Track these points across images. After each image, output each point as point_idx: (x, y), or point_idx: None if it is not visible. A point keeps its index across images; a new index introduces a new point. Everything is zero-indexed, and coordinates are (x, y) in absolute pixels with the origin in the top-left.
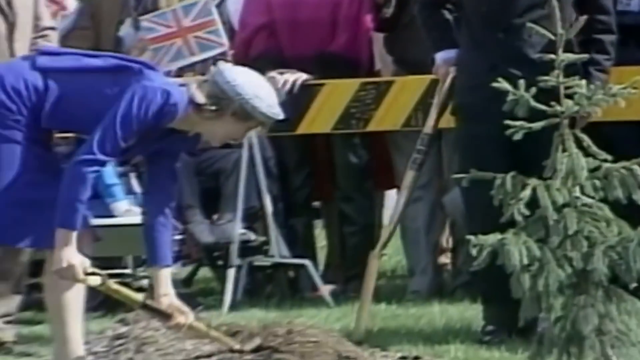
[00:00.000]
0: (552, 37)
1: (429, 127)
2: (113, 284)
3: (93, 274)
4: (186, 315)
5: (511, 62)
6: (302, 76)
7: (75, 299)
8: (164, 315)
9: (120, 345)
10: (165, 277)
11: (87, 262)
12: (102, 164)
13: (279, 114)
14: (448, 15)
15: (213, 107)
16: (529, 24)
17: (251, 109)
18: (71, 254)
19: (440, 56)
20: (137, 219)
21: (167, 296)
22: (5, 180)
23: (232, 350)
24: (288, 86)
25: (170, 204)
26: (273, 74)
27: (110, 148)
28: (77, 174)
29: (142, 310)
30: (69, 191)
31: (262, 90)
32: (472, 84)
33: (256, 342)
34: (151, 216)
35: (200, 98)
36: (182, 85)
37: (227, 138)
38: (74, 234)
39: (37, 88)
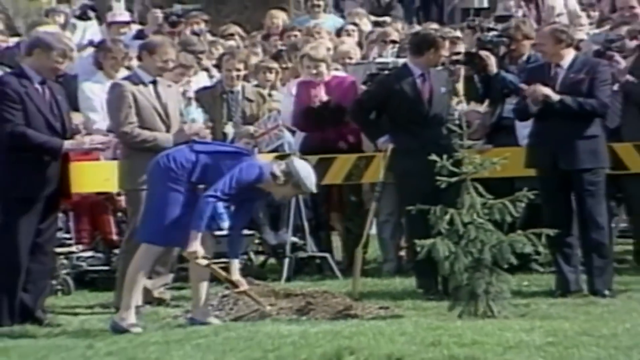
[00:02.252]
0: (460, 131)
1: (380, 177)
2: (214, 265)
3: (205, 257)
4: (244, 286)
5: (434, 144)
6: None
7: (205, 275)
8: (234, 284)
9: (225, 301)
10: (235, 264)
11: (202, 252)
12: (219, 198)
13: (314, 189)
14: (372, 116)
15: (283, 179)
16: (447, 126)
17: (302, 184)
18: (196, 245)
19: (380, 141)
20: None
21: (236, 274)
22: (171, 211)
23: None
24: None
25: (243, 225)
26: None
27: (225, 191)
28: (206, 202)
29: (226, 282)
30: (201, 209)
31: (310, 176)
32: (409, 159)
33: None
34: (234, 232)
35: (279, 173)
36: (267, 164)
37: (285, 196)
38: (199, 234)
39: (192, 161)
